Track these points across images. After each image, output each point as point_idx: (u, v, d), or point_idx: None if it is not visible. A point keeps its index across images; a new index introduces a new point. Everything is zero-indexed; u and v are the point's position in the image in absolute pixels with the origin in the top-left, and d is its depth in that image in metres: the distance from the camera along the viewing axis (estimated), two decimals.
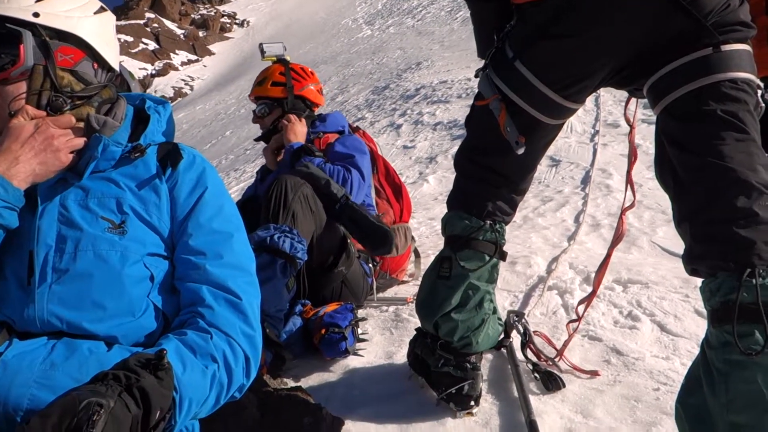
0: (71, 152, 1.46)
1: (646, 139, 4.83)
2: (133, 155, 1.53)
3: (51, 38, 1.47)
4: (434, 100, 8.81)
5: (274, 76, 3.30)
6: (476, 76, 1.95)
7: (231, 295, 1.46)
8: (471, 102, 6.76)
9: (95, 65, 1.56)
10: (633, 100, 2.07)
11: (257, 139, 3.41)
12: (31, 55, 1.43)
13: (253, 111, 3.39)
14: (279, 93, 3.27)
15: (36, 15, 1.44)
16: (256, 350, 1.47)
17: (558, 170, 4.95)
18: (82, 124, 1.52)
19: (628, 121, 2.17)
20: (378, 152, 3.55)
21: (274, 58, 3.40)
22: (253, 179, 3.60)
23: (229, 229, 1.57)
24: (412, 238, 3.51)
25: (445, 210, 3.94)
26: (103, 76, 1.58)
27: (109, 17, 1.62)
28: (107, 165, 1.51)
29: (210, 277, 1.46)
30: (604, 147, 5.23)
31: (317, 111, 3.46)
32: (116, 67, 1.62)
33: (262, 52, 3.43)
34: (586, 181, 4.56)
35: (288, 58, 3.44)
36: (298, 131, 3.15)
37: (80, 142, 1.48)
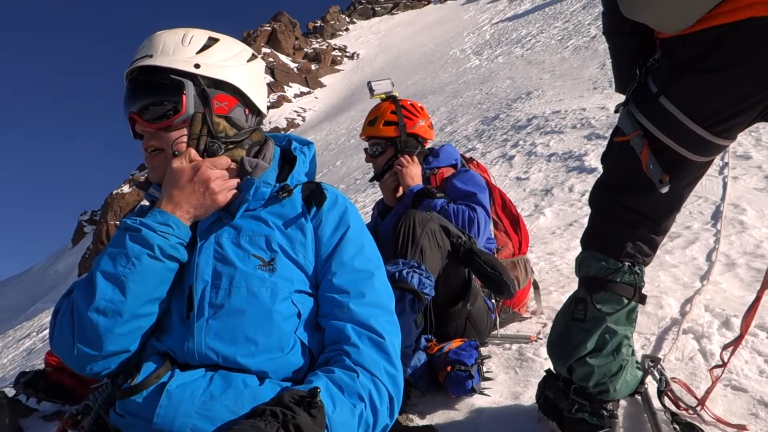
0: (227, 193, 1.54)
1: None
2: (282, 195, 1.59)
3: (209, 87, 1.57)
4: (547, 131, 8.65)
5: (385, 115, 3.33)
6: (616, 111, 1.90)
7: (374, 334, 1.49)
8: (586, 132, 6.63)
9: (246, 111, 1.66)
10: None
11: (372, 179, 3.46)
12: (192, 104, 1.53)
13: (365, 150, 3.43)
14: (392, 132, 3.30)
15: (197, 66, 1.55)
16: (399, 390, 1.48)
17: (685, 205, 4.71)
18: (235, 165, 1.60)
19: None
20: (493, 183, 3.51)
21: (384, 96, 3.44)
22: (364, 210, 3.64)
23: (371, 268, 1.60)
24: (532, 270, 3.43)
25: (564, 244, 3.83)
26: (253, 120, 1.67)
27: (260, 64, 1.71)
28: (257, 204, 1.59)
29: (354, 316, 1.49)
30: (734, 180, 4.94)
31: (428, 145, 3.46)
32: (265, 111, 1.70)
33: (371, 90, 3.48)
34: (716, 216, 4.31)
35: (396, 94, 3.48)
36: (414, 173, 3.17)
37: (234, 183, 1.56)
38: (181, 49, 1.55)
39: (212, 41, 1.62)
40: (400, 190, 3.23)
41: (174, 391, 1.35)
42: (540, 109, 10.59)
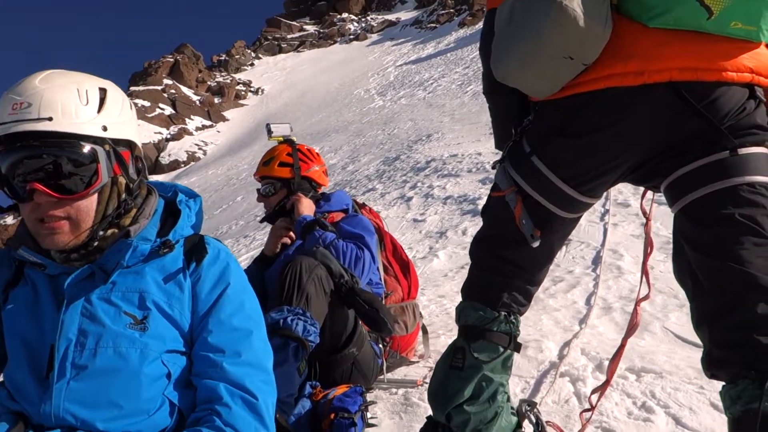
0: None
1: (657, 219, 4.83)
2: (162, 251, 1.55)
3: (115, 145, 1.50)
4: (444, 174, 8.88)
5: (281, 156, 3.35)
6: (493, 167, 1.99)
7: (248, 395, 1.46)
8: (481, 176, 6.80)
9: (138, 163, 1.59)
10: (649, 193, 2.09)
11: (262, 220, 3.45)
12: (106, 172, 1.45)
13: (258, 190, 3.43)
14: (286, 173, 3.32)
15: (105, 129, 1.45)
16: None
17: (569, 249, 4.94)
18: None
19: (644, 212, 2.19)
20: (384, 228, 3.57)
21: (281, 138, 3.47)
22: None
23: (249, 326, 1.57)
24: (420, 315, 3.49)
25: (455, 287, 3.92)
26: (138, 167, 1.61)
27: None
28: (135, 260, 1.53)
29: (227, 376, 1.47)
30: (614, 227, 5.23)
31: (320, 191, 3.50)
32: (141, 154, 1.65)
33: (270, 132, 3.50)
34: (597, 261, 4.54)
35: (294, 138, 3.50)
36: (309, 206, 3.19)
37: None
38: (82, 109, 1.42)
39: (103, 92, 1.50)
40: (283, 241, 3.23)
41: None
42: (439, 151, 10.88)
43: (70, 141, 1.39)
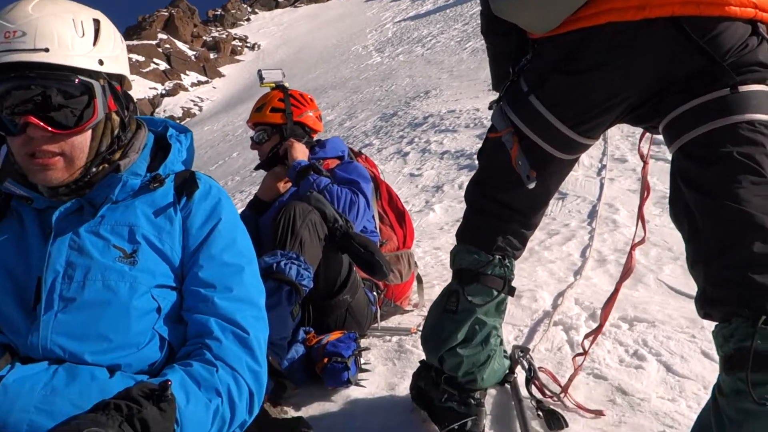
0: None
1: (653, 175, 4.81)
2: (153, 185, 1.52)
3: (111, 80, 1.46)
4: (442, 129, 8.81)
5: (273, 102, 3.31)
6: (490, 108, 1.95)
7: (239, 329, 1.45)
8: (479, 132, 6.77)
9: (126, 96, 1.55)
10: (647, 135, 2.06)
11: (257, 168, 3.40)
12: (102, 108, 1.41)
13: (251, 137, 3.39)
14: (278, 119, 3.28)
15: (101, 62, 1.41)
16: (261, 386, 1.45)
17: (565, 203, 4.93)
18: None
19: (642, 156, 2.16)
20: (380, 177, 3.54)
21: (273, 85, 3.42)
22: None
23: (241, 262, 1.55)
24: (415, 264, 3.49)
25: (451, 240, 3.91)
26: (128, 102, 1.56)
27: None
28: (125, 195, 1.50)
29: (218, 310, 1.45)
30: (611, 182, 5.21)
31: (315, 137, 3.46)
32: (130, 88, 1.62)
33: (261, 78, 3.46)
34: (593, 215, 4.54)
35: (287, 84, 3.46)
36: (302, 151, 3.15)
37: None
38: (78, 41, 1.37)
39: (97, 24, 1.45)
40: (280, 187, 3.20)
41: (11, 385, 1.26)
42: (436, 108, 10.78)
43: (66, 74, 1.35)
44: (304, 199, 2.75)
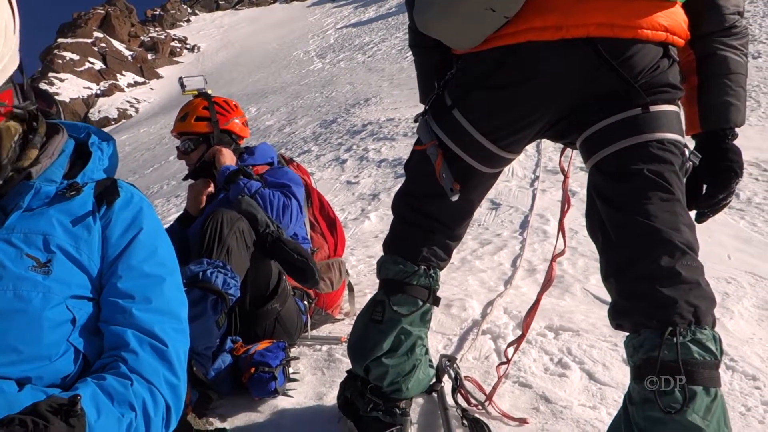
0: None
1: (583, 186, 4.95)
2: (69, 193, 1.45)
3: None
4: (380, 137, 8.87)
5: (197, 110, 3.23)
6: (415, 120, 1.97)
7: (157, 342, 1.40)
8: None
9: (19, 94, 1.42)
10: (568, 150, 2.12)
11: (185, 178, 3.30)
12: None
13: (177, 147, 3.30)
14: (204, 128, 3.20)
15: None
16: (179, 400, 1.41)
17: (498, 213, 5.02)
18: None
19: (562, 170, 2.23)
20: (312, 185, 3.52)
21: (195, 92, 3.35)
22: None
23: (162, 273, 1.50)
24: (347, 272, 3.49)
25: None
26: (21, 99, 1.43)
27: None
28: (39, 203, 1.43)
29: (136, 322, 1.40)
30: (543, 192, 5.34)
31: (242, 143, 3.40)
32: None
33: (183, 86, 3.38)
34: (524, 225, 4.63)
35: (210, 91, 3.39)
36: (230, 156, 3.09)
37: None
38: None
39: None
40: (202, 200, 3.14)
41: None
42: (376, 115, 10.85)
43: None
44: (234, 205, 2.70)
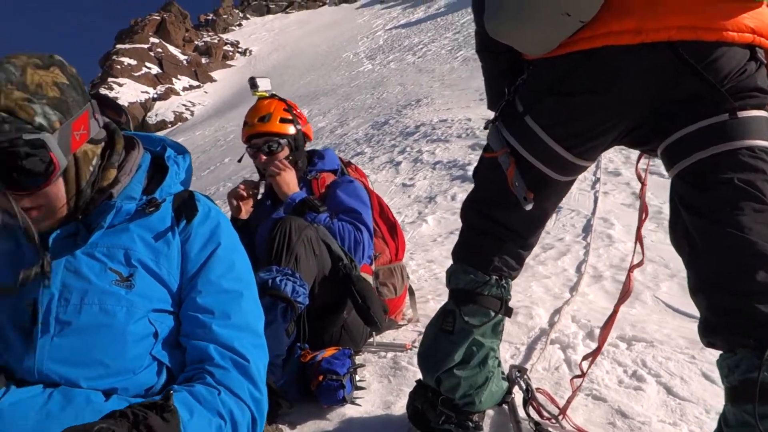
0: None
1: (648, 190, 4.81)
2: (148, 210, 1.47)
3: (62, 123, 1.31)
4: (434, 139, 8.80)
5: (279, 112, 3.18)
6: (485, 128, 1.92)
7: (239, 357, 1.42)
8: (471, 142, 6.76)
9: (95, 114, 1.44)
10: (644, 156, 2.04)
11: (261, 179, 3.25)
12: (62, 155, 1.30)
13: (254, 149, 3.16)
14: (287, 129, 3.15)
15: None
16: (263, 414, 1.43)
17: (559, 217, 4.91)
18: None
19: (639, 177, 2.14)
20: (370, 187, 3.48)
21: (266, 94, 3.31)
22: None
23: (239, 288, 1.51)
24: (407, 276, 3.44)
25: (445, 252, 3.86)
26: (101, 119, 1.47)
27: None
28: (121, 219, 1.45)
29: (217, 338, 1.42)
30: (605, 195, 5.20)
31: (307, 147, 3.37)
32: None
33: (255, 86, 3.30)
34: (587, 229, 4.52)
35: (276, 93, 3.36)
36: (290, 180, 3.02)
37: None
38: None
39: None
40: (244, 207, 3.11)
41: (6, 409, 1.22)
42: (428, 116, 10.78)
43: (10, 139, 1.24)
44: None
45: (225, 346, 1.42)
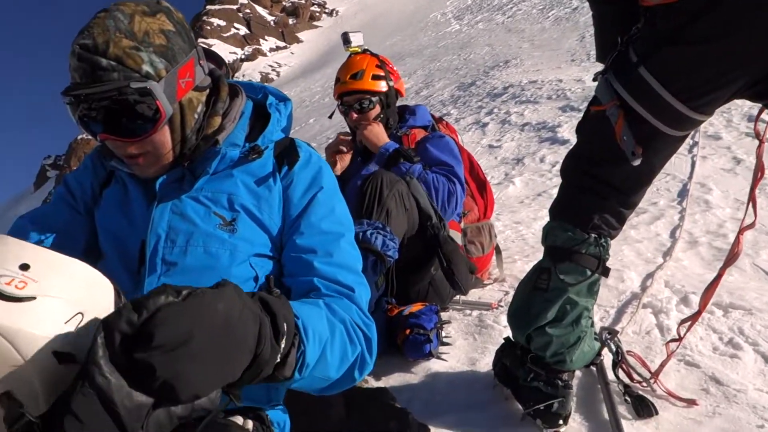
0: None
1: (750, 153, 4.56)
2: (251, 156, 1.50)
3: (168, 71, 1.34)
4: (523, 100, 8.62)
5: (371, 68, 3.15)
6: (594, 79, 1.85)
7: (343, 288, 1.43)
8: (561, 104, 6.59)
9: (201, 61, 1.45)
10: (766, 111, 1.92)
11: (352, 138, 3.21)
12: (167, 103, 1.34)
13: (347, 105, 3.16)
14: (380, 86, 3.13)
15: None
16: (373, 335, 1.42)
17: (653, 181, 4.74)
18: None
19: (757, 134, 2.02)
20: (461, 144, 3.43)
21: (359, 49, 3.27)
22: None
23: (340, 230, 1.53)
24: (495, 235, 3.42)
25: (532, 214, 3.80)
26: (206, 66, 1.49)
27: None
28: (224, 166, 1.49)
29: (320, 273, 1.42)
30: (703, 160, 4.97)
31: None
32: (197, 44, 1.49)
33: (347, 41, 3.27)
34: (683, 194, 4.34)
35: (368, 48, 3.33)
36: (380, 132, 3.03)
37: None
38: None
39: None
40: (342, 158, 3.12)
41: None
42: (517, 78, 10.54)
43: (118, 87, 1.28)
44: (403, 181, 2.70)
45: (329, 279, 1.42)
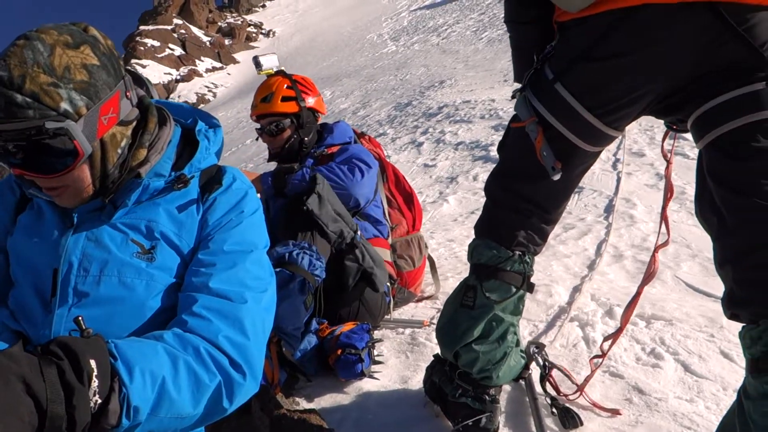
0: None
1: (673, 169, 4.73)
2: (176, 186, 1.45)
3: (89, 108, 1.25)
4: (457, 120, 8.74)
5: (281, 90, 3.16)
6: (513, 97, 1.90)
7: (232, 302, 1.34)
8: (494, 123, 6.69)
9: (128, 93, 1.37)
10: (670, 134, 2.01)
11: (270, 159, 3.25)
12: (86, 142, 1.26)
13: (261, 129, 3.19)
14: (291, 108, 3.13)
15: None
16: (250, 358, 1.31)
17: (581, 197, 4.87)
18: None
19: (665, 156, 2.11)
20: (385, 158, 3.44)
21: (272, 71, 3.28)
22: None
23: (248, 249, 1.46)
24: (426, 246, 3.44)
25: (465, 232, 3.85)
26: (134, 97, 1.41)
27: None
28: (147, 196, 1.44)
29: (211, 289, 1.35)
30: (628, 176, 5.14)
31: (320, 120, 3.35)
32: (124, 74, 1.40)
33: (258, 65, 3.27)
34: (609, 209, 4.48)
35: (283, 69, 3.33)
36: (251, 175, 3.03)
37: None
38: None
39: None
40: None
41: None
42: (451, 98, 10.70)
43: (33, 126, 1.20)
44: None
45: (218, 295, 1.34)
